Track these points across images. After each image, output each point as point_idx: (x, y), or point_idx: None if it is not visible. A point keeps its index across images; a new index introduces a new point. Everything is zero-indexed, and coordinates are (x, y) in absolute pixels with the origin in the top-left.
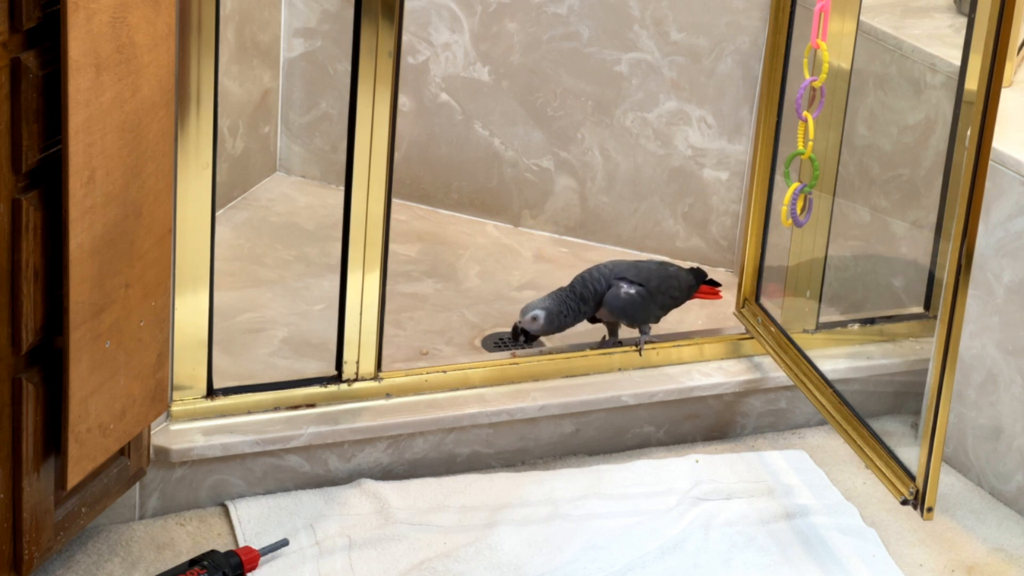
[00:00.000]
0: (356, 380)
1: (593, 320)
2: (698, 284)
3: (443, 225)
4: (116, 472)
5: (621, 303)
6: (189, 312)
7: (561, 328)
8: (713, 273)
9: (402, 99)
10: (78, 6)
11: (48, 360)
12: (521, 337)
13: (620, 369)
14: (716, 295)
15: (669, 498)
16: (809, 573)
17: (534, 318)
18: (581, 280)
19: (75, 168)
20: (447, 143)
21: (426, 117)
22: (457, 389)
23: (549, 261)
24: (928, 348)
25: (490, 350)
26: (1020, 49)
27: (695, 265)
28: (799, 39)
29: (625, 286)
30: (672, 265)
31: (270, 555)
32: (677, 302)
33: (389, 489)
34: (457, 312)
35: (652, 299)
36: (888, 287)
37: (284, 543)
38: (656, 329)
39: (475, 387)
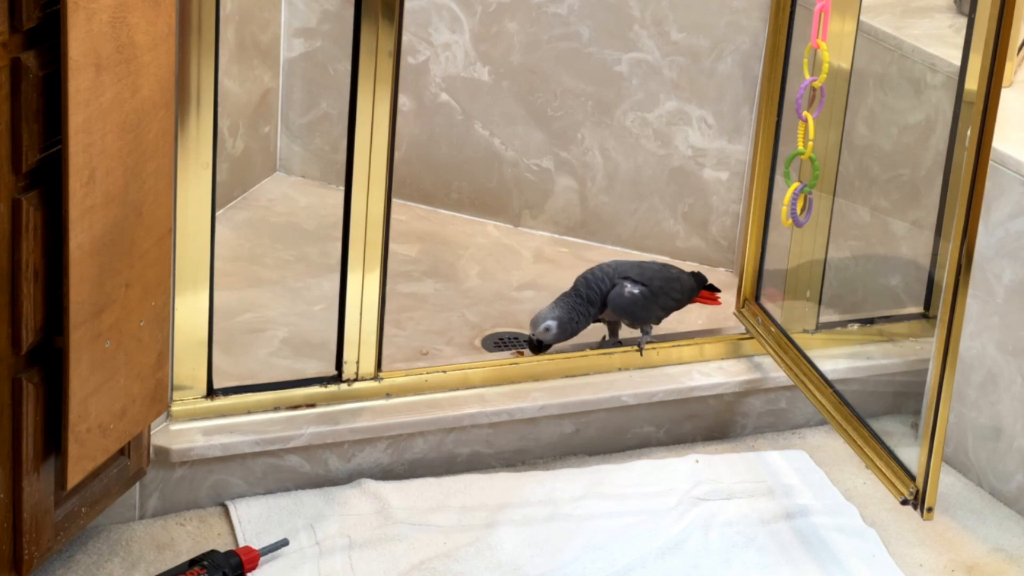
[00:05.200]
0: (356, 380)
1: (596, 319)
2: (699, 288)
3: (443, 225)
4: (116, 472)
5: (625, 302)
6: (189, 312)
7: (574, 334)
8: (713, 273)
9: (402, 99)
10: (78, 6)
11: (48, 360)
12: (540, 352)
13: (620, 369)
14: (716, 301)
15: (669, 498)
16: (809, 573)
17: (547, 329)
18: (585, 282)
19: (75, 168)
20: (447, 143)
21: (426, 117)
22: (457, 389)
23: (549, 261)
24: (928, 348)
25: (490, 350)
26: (1020, 49)
27: (696, 270)
28: (799, 39)
29: (629, 285)
30: (674, 268)
31: (270, 555)
32: (679, 304)
33: (389, 489)
34: (457, 312)
35: (655, 299)
36: (888, 287)
37: (284, 543)
38: (656, 329)
39: (475, 387)
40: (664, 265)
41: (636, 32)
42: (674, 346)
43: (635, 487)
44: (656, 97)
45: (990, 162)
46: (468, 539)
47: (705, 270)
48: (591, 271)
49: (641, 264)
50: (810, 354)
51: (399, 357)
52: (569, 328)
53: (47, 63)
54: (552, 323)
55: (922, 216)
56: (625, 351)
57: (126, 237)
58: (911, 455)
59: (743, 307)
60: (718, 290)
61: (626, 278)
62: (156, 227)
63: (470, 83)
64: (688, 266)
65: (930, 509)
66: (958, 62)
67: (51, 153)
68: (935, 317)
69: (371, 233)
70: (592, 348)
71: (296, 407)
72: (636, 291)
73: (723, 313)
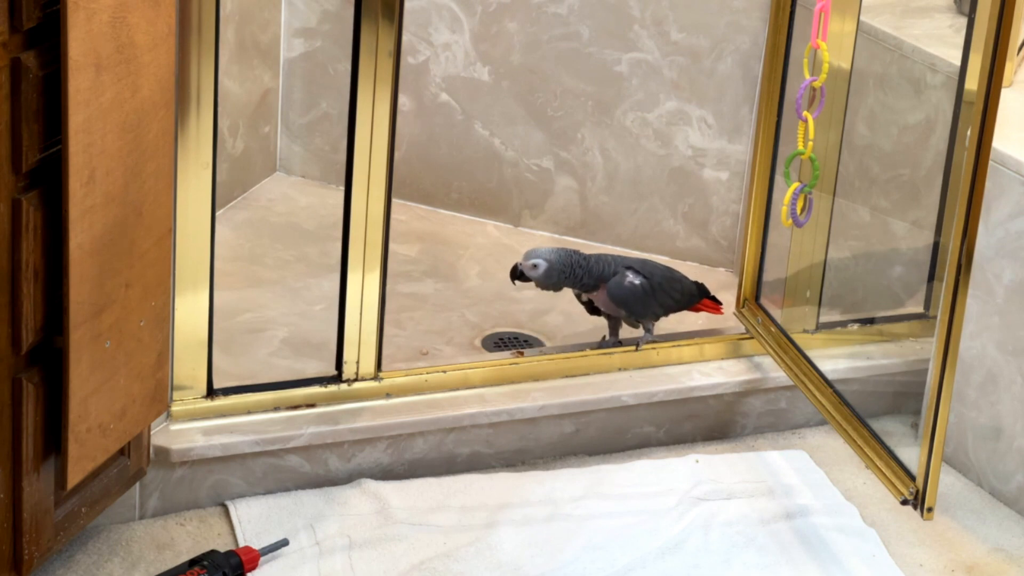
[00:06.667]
0: (356, 380)
1: (594, 311)
2: (700, 296)
3: (443, 225)
4: (116, 472)
5: (623, 292)
6: (189, 312)
7: (557, 286)
8: (713, 273)
9: (402, 99)
10: (78, 6)
11: (48, 360)
12: (516, 281)
13: (620, 369)
14: (718, 310)
15: (669, 498)
16: (809, 573)
17: (535, 265)
18: (596, 257)
19: (75, 168)
20: (447, 143)
21: (426, 117)
22: (457, 389)
23: None
24: (928, 348)
25: (490, 350)
26: (1020, 49)
27: (699, 281)
28: (799, 39)
29: (631, 275)
30: (678, 272)
31: (270, 555)
32: (678, 305)
33: (389, 489)
34: (457, 312)
35: (654, 294)
36: (888, 287)
37: (284, 543)
38: (656, 329)
39: (475, 387)
40: (668, 267)
41: (636, 32)
42: (674, 346)
43: (635, 487)
44: (656, 97)
45: (990, 162)
46: (468, 539)
47: (705, 270)
48: (603, 254)
49: (646, 261)
50: (810, 354)
51: (399, 357)
52: (555, 276)
53: (47, 63)
54: (542, 262)
55: (922, 216)
56: (625, 351)
57: (126, 237)
58: (911, 455)
59: (743, 307)
60: (720, 302)
61: (629, 268)
62: (156, 227)
63: (470, 83)
64: (688, 266)
65: (930, 509)
66: (958, 62)
67: (51, 153)
68: (935, 317)
69: (371, 233)
70: (592, 348)
71: (296, 407)
72: (636, 282)
73: (723, 313)
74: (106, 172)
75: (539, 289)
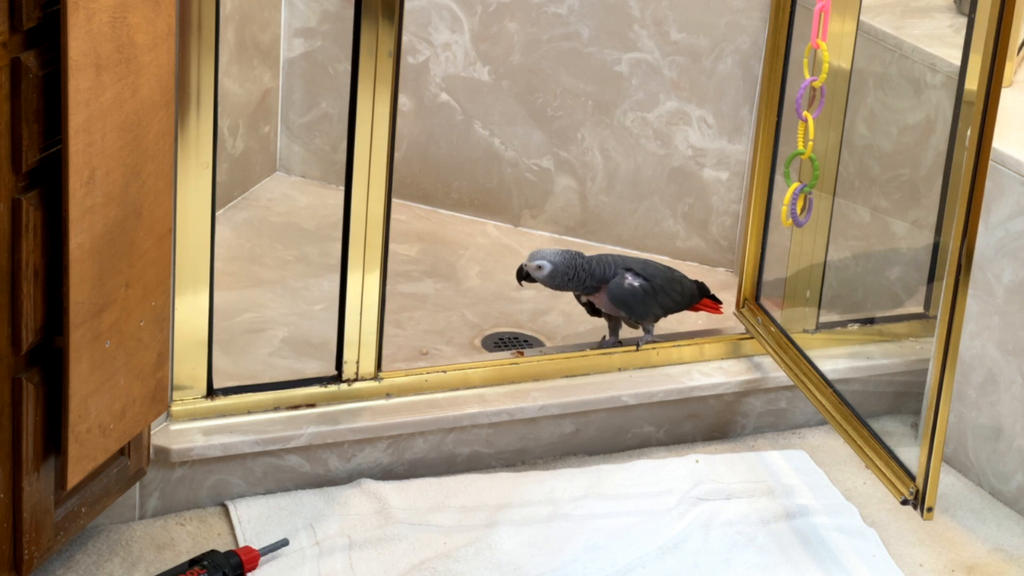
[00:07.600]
0: (356, 380)
1: (594, 312)
2: (700, 296)
3: (443, 225)
4: (116, 472)
5: (624, 293)
6: (189, 312)
7: (560, 287)
8: (713, 273)
9: (402, 99)
10: (78, 6)
11: (48, 360)
12: (522, 282)
13: (620, 369)
14: (717, 310)
15: (669, 498)
16: (809, 573)
17: (539, 267)
18: (597, 258)
19: (75, 168)
20: (447, 143)
21: (426, 117)
22: (457, 389)
23: None
24: (928, 348)
25: (490, 350)
26: (1020, 49)
27: (700, 280)
28: (799, 39)
29: (630, 277)
30: (678, 272)
31: (270, 555)
32: (678, 306)
33: (389, 489)
34: (457, 312)
35: (654, 295)
36: (888, 287)
37: (284, 543)
38: (656, 329)
39: (475, 387)
40: (669, 267)
41: (636, 32)
42: (674, 346)
43: (635, 487)
44: (656, 97)
45: (990, 162)
46: (468, 539)
47: (705, 270)
48: (603, 255)
49: (647, 262)
50: (810, 354)
51: (399, 357)
52: (559, 278)
53: (47, 63)
54: (547, 264)
55: (922, 216)
56: (625, 351)
57: (126, 237)
58: (911, 455)
59: (743, 307)
60: (720, 301)
61: (629, 270)
62: (156, 227)
63: (470, 83)
64: (688, 266)
65: (930, 509)
66: (958, 62)
67: (51, 153)
68: (935, 317)
69: (371, 233)
70: (592, 348)
71: (296, 407)
72: (636, 284)
73: (723, 313)
74: (106, 172)
75: (541, 288)
